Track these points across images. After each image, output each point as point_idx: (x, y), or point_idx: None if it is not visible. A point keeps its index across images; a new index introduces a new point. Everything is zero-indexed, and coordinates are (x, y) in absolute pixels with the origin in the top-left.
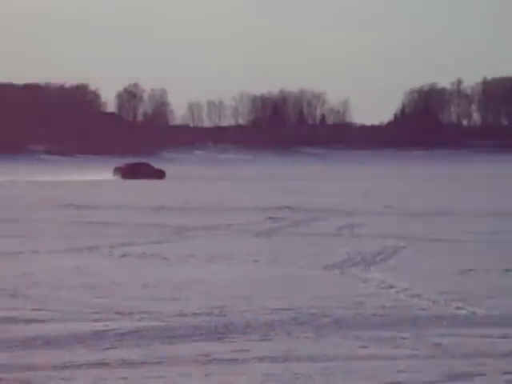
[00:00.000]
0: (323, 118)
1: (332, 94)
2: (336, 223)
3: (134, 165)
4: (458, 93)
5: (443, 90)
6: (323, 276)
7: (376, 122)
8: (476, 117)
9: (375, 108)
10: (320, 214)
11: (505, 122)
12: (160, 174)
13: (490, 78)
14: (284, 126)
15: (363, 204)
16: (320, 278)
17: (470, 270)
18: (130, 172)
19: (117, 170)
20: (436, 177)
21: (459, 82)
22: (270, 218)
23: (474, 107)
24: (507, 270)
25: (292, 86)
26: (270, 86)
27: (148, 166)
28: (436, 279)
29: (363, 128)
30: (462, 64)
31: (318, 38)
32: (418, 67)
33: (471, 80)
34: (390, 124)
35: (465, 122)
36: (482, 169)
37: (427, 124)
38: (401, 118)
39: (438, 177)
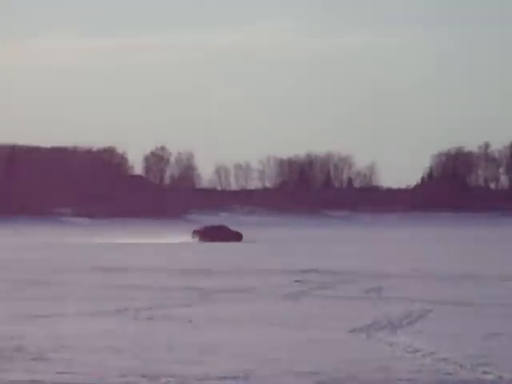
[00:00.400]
0: (350, 181)
1: (359, 157)
2: (363, 286)
3: (211, 227)
4: (485, 156)
5: (470, 153)
6: (349, 340)
7: (403, 186)
8: (504, 180)
9: (402, 171)
10: (346, 276)
11: None
12: (237, 237)
13: None
14: (310, 189)
15: (390, 267)
16: (346, 341)
17: (497, 334)
18: (207, 234)
19: (195, 233)
20: (463, 240)
21: (486, 145)
22: (296, 280)
23: (501, 170)
24: None
25: (319, 149)
26: (296, 149)
27: (226, 228)
28: (462, 343)
29: (390, 191)
30: (490, 127)
31: (344, 102)
32: (445, 130)
33: (499, 143)
34: (417, 187)
35: (492, 185)
36: (509, 232)
37: (454, 187)
38: (428, 181)
39: (465, 240)
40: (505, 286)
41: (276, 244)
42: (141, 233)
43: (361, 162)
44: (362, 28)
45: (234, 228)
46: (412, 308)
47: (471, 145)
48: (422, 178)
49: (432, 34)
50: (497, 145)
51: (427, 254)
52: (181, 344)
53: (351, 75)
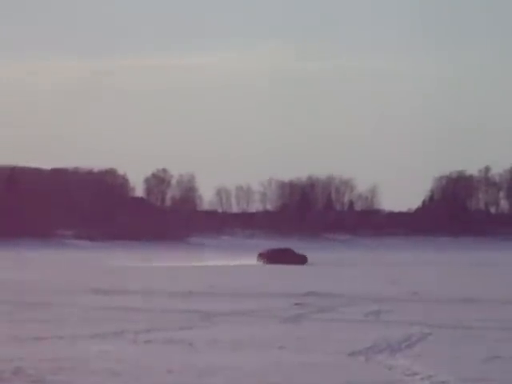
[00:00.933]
0: (351, 204)
1: (360, 180)
2: (362, 309)
3: (277, 250)
4: (485, 180)
5: (471, 176)
6: (348, 363)
7: (404, 209)
8: (504, 204)
9: (403, 195)
10: (346, 300)
11: None
12: (302, 260)
13: None
14: (312, 212)
15: (390, 290)
16: (345, 364)
17: (496, 357)
18: (273, 257)
19: (261, 256)
20: (463, 264)
21: (487, 169)
22: (296, 304)
23: (501, 194)
24: None
25: (320, 172)
26: (298, 171)
27: (291, 251)
28: (461, 366)
29: (391, 214)
30: (490, 151)
31: (345, 125)
32: (446, 153)
33: (499, 167)
34: (418, 210)
35: (493, 209)
36: (509, 256)
37: (455, 211)
38: (429, 204)
39: (465, 264)
40: (504, 309)
41: (276, 267)
42: (151, 255)
43: (362, 184)
44: (361, 51)
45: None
46: (411, 331)
47: (472, 168)
48: (423, 202)
49: (432, 58)
50: (497, 169)
51: (427, 277)
52: (180, 367)
53: (352, 97)
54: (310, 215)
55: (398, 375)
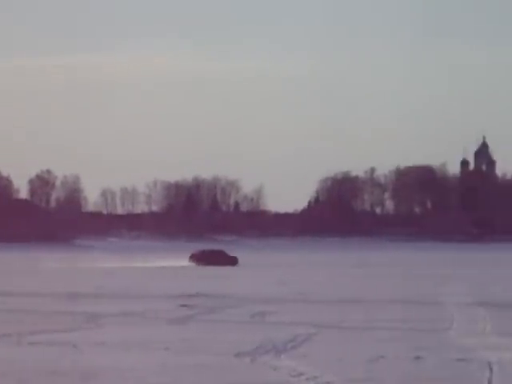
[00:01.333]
0: (237, 205)
1: (246, 181)
2: (248, 310)
3: (208, 252)
4: (371, 181)
5: (356, 178)
6: (234, 364)
7: (290, 210)
8: (389, 205)
9: (289, 196)
10: (233, 301)
11: (417, 210)
12: (233, 261)
13: (402, 166)
14: (198, 213)
15: (276, 291)
16: (231, 365)
17: (381, 357)
18: (204, 259)
19: (192, 257)
20: (349, 264)
21: (372, 170)
22: (182, 305)
23: (387, 195)
24: (417, 358)
25: (206, 173)
26: (183, 172)
27: (222, 252)
28: (346, 367)
29: (277, 215)
30: (375, 152)
31: (231, 126)
32: (332, 155)
33: (384, 168)
34: (303, 211)
35: (378, 210)
36: (394, 257)
37: (341, 211)
38: (315, 205)
39: (351, 264)
40: (389, 309)
41: (163, 269)
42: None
43: (248, 185)
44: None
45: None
46: (297, 332)
47: (357, 170)
48: (309, 203)
49: (314, 63)
50: (382, 170)
51: (313, 278)
52: (63, 370)
53: (234, 100)
54: (195, 216)
55: (283, 376)
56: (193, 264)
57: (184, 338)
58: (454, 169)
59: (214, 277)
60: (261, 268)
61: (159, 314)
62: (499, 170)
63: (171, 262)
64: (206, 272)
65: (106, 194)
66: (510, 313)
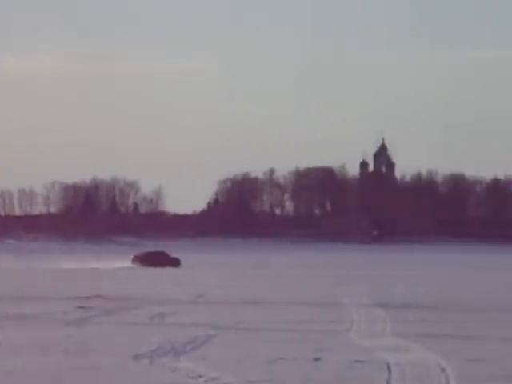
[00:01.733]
0: (136, 206)
1: (144, 182)
2: (148, 312)
3: (151, 253)
4: (270, 182)
5: (256, 179)
6: (132, 365)
7: (189, 211)
8: (289, 206)
9: (188, 197)
10: (132, 302)
11: (317, 211)
12: (175, 262)
13: (302, 167)
14: (96, 215)
15: (175, 293)
16: (129, 367)
17: (280, 358)
18: (147, 260)
19: (135, 259)
20: (248, 265)
21: (271, 171)
22: (80, 307)
23: (286, 196)
24: (316, 359)
25: (104, 174)
26: (81, 174)
27: (164, 254)
28: (246, 368)
29: (176, 216)
30: (274, 154)
31: (129, 127)
32: (232, 156)
33: (283, 169)
34: (203, 213)
35: (278, 211)
36: (293, 258)
37: (240, 213)
38: (214, 206)
39: (250, 265)
40: (287, 311)
41: (62, 271)
42: None
43: (146, 187)
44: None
45: None
46: (196, 334)
47: (256, 171)
48: (209, 204)
49: (217, 58)
50: (282, 171)
51: (213, 279)
52: None
53: (131, 100)
54: (94, 217)
55: (182, 378)
56: (136, 265)
57: (81, 340)
58: (354, 170)
59: (109, 278)
60: (158, 270)
61: (56, 315)
62: (398, 172)
63: (114, 264)
64: (99, 274)
65: (3, 195)
66: (408, 314)
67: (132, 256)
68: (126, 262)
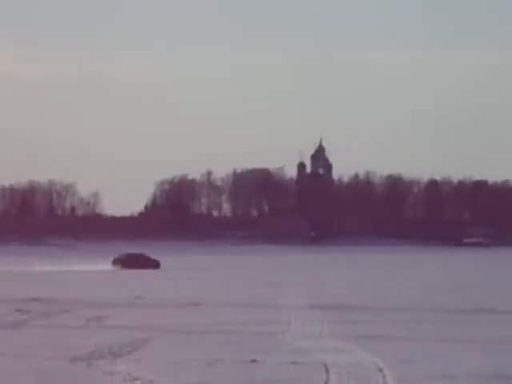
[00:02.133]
0: (73, 209)
1: (82, 185)
2: (85, 315)
3: (131, 255)
4: (208, 183)
5: (193, 181)
6: (70, 368)
7: (127, 213)
8: (226, 208)
9: (126, 199)
10: (68, 305)
11: (254, 212)
12: (155, 264)
13: (239, 169)
14: (33, 217)
15: (113, 295)
16: (66, 370)
17: (218, 360)
18: (127, 262)
19: (116, 261)
20: (184, 267)
21: (209, 173)
22: (16, 310)
23: (224, 198)
24: (253, 361)
25: (41, 176)
26: (18, 176)
27: (144, 256)
28: (183, 370)
29: (113, 219)
30: (212, 155)
31: (66, 129)
32: (169, 158)
33: (221, 171)
34: (141, 215)
35: (215, 213)
36: (230, 260)
37: (178, 215)
38: (152, 208)
39: (187, 268)
40: (225, 313)
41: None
42: None
43: (84, 189)
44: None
45: None
46: (133, 336)
47: (194, 173)
48: (146, 206)
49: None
50: (219, 173)
51: (150, 281)
52: None
53: (67, 102)
54: (31, 220)
55: (118, 380)
56: (117, 268)
57: (17, 343)
58: (291, 172)
59: (46, 281)
60: (95, 272)
61: None
62: (336, 174)
63: (93, 267)
64: (36, 276)
65: None
66: (345, 315)
67: (112, 258)
68: (107, 265)
